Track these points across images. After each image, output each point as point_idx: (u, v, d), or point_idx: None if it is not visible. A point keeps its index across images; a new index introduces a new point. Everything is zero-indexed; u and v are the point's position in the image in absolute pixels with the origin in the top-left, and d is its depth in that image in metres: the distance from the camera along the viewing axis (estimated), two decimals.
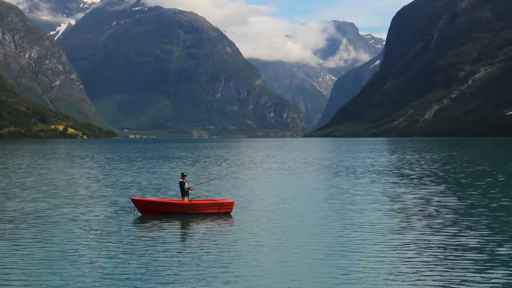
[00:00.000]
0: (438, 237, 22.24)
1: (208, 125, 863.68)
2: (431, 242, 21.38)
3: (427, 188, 41.00)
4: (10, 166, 71.17)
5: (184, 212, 28.17)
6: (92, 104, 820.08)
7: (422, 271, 17.15)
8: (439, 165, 70.10)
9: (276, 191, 40.46)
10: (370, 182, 46.90)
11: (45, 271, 17.28)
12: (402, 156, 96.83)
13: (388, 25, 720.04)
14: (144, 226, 25.58)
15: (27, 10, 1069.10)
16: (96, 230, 24.36)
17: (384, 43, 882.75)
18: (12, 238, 22.35)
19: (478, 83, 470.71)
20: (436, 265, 17.91)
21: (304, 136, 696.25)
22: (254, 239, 22.19)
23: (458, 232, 23.22)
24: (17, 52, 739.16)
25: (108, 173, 59.10)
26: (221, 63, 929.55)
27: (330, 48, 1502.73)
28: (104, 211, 30.25)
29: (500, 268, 17.49)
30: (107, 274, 16.96)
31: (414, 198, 35.27)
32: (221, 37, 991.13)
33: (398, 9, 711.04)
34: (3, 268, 17.62)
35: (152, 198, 31.27)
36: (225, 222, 26.58)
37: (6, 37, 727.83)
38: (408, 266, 17.82)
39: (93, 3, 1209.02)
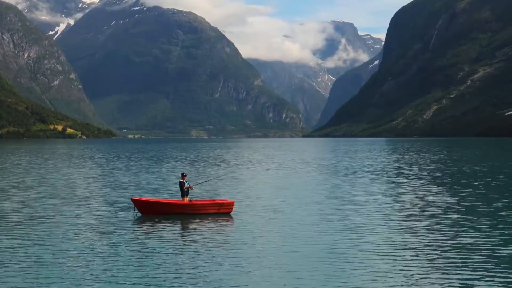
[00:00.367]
0: (437, 238, 22.25)
1: (207, 125, 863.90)
2: (431, 242, 21.39)
3: (426, 189, 41.01)
4: (9, 166, 71.10)
5: (184, 212, 28.16)
6: (91, 104, 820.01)
7: (422, 272, 17.15)
8: (438, 165, 70.10)
9: (276, 191, 40.45)
10: (369, 182, 46.90)
11: (45, 271, 17.27)
12: (401, 157, 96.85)
13: (387, 25, 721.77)
14: (144, 226, 25.56)
15: (26, 10, 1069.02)
16: (96, 230, 24.33)
17: (383, 43, 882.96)
18: (12, 238, 22.32)
19: (477, 84, 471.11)
20: (436, 265, 17.92)
21: (303, 136, 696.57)
22: (254, 239, 22.19)
23: (457, 233, 23.23)
24: (16, 52, 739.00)
25: (107, 173, 59.07)
26: (220, 63, 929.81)
27: (329, 48, 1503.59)
28: (104, 211, 30.23)
29: (499, 268, 17.50)
30: (107, 274, 16.96)
31: (413, 198, 35.27)
32: (220, 37, 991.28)
33: (397, 9, 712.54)
34: (2, 268, 17.61)
35: (152, 198, 31.21)
36: (225, 222, 26.56)
37: (5, 37, 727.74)
38: (408, 266, 17.83)
39: (92, 3, 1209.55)
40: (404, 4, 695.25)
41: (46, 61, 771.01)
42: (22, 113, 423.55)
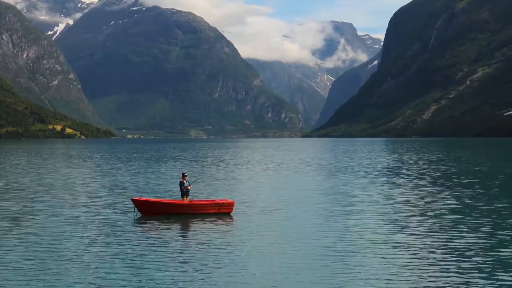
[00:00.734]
0: (436, 238, 22.28)
1: (206, 125, 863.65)
2: (430, 243, 21.41)
3: (425, 189, 41.05)
4: (8, 166, 71.08)
5: (185, 213, 28.18)
6: (90, 104, 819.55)
7: (421, 272, 17.18)
8: (437, 165, 70.15)
9: (276, 192, 40.46)
10: (368, 182, 46.95)
11: (44, 271, 17.28)
12: (400, 157, 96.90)
13: (386, 25, 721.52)
14: (144, 226, 25.59)
15: (25, 10, 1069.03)
16: (96, 230, 24.36)
17: (382, 43, 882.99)
18: (12, 239, 22.35)
19: (476, 84, 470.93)
20: (435, 266, 17.94)
21: (302, 136, 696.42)
22: (254, 239, 22.22)
23: (456, 233, 23.26)
24: (15, 52, 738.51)
25: (107, 173, 59.09)
26: (219, 63, 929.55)
27: (328, 48, 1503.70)
28: (104, 211, 30.25)
29: (499, 269, 17.53)
30: (107, 274, 16.98)
31: (413, 199, 35.32)
32: (219, 37, 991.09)
33: (396, 10, 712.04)
34: (2, 269, 17.61)
35: (152, 198, 31.20)
36: (225, 222, 26.59)
37: (4, 37, 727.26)
38: (407, 266, 17.86)
39: (91, 3, 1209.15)
40: (403, 4, 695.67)
41: (45, 61, 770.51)
42: (21, 113, 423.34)
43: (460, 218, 27.25)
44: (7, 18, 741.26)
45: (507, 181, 47.44)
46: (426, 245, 20.91)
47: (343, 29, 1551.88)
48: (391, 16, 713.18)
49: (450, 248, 20.44)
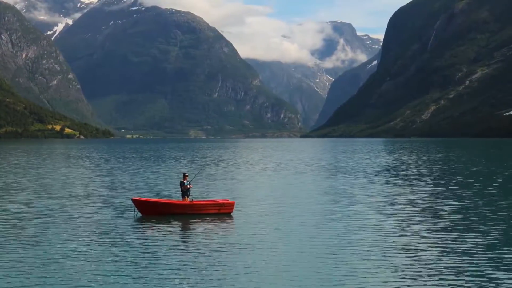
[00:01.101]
0: (435, 239, 22.31)
1: (205, 125, 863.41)
2: (429, 243, 21.44)
3: (424, 190, 41.07)
4: (7, 166, 71.05)
5: (185, 213, 28.19)
6: (89, 104, 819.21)
7: (420, 273, 17.22)
8: (436, 166, 70.18)
9: (276, 192, 40.48)
10: (367, 183, 47.00)
11: (44, 272, 17.30)
12: (399, 157, 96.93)
13: (385, 25, 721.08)
14: (144, 226, 25.60)
15: (24, 10, 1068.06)
16: (96, 230, 24.38)
17: (381, 43, 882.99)
18: (12, 239, 22.36)
19: (475, 84, 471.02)
20: (434, 266, 17.97)
21: (301, 136, 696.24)
22: (255, 239, 22.24)
23: (455, 234, 23.28)
24: (14, 52, 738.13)
25: (106, 173, 59.09)
26: (218, 63, 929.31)
27: (327, 49, 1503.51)
28: (104, 211, 30.25)
29: (499, 270, 17.57)
30: (107, 274, 17.00)
31: (412, 199, 35.35)
32: (218, 37, 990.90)
33: (396, 10, 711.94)
34: (2, 269, 17.64)
35: (152, 199, 31.21)
36: (225, 222, 26.61)
37: (3, 37, 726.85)
38: (407, 267, 17.90)
39: (90, 3, 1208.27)
40: (403, 4, 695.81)
41: (44, 61, 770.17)
42: (20, 113, 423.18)
43: (460, 218, 27.29)
44: (6, 18, 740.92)
45: (506, 182, 47.46)
46: (425, 246, 20.94)
47: (342, 29, 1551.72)
48: (391, 16, 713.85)
49: (449, 248, 20.46)
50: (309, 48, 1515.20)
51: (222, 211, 28.55)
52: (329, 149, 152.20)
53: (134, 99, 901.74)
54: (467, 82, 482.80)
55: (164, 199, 31.18)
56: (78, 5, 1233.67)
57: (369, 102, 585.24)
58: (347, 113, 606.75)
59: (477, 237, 22.52)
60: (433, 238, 22.41)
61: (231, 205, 28.99)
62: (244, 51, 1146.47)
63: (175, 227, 25.49)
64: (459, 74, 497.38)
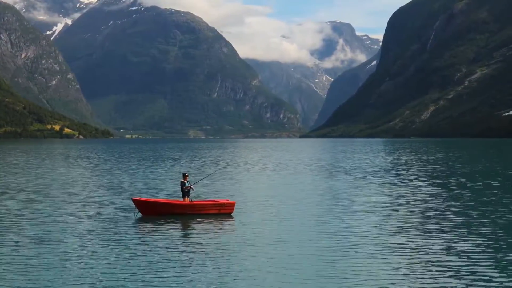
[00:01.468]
0: (434, 239, 22.28)
1: (205, 125, 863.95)
2: (428, 244, 21.40)
3: (423, 190, 41.05)
4: (6, 166, 71.00)
5: (185, 213, 28.15)
6: (88, 104, 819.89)
7: (419, 274, 17.20)
8: (435, 166, 70.19)
9: (276, 192, 40.48)
10: (367, 183, 46.99)
11: (45, 272, 17.25)
12: (398, 157, 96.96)
13: (385, 25, 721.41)
14: (144, 226, 25.56)
15: (23, 10, 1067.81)
16: (96, 230, 24.33)
17: (380, 43, 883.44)
18: (12, 240, 22.32)
19: (474, 84, 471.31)
20: (433, 267, 17.94)
21: (301, 136, 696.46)
22: (255, 240, 22.22)
23: (454, 235, 23.25)
24: (14, 51, 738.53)
25: (106, 174, 59.05)
26: (218, 63, 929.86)
27: (327, 49, 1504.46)
28: (104, 211, 30.20)
29: (498, 270, 17.56)
30: (108, 275, 16.96)
31: (411, 200, 35.34)
32: (218, 37, 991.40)
33: (395, 10, 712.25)
34: (1, 269, 17.61)
35: (152, 199, 31.16)
36: (226, 223, 26.56)
37: (2, 37, 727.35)
38: (406, 267, 17.88)
39: (90, 3, 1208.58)
40: (402, 4, 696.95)
41: (43, 61, 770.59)
42: (19, 113, 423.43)
43: (459, 219, 27.27)
44: (6, 18, 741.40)
45: (506, 182, 47.45)
46: (425, 246, 20.91)
47: (342, 30, 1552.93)
48: (390, 16, 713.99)
49: (449, 249, 20.44)
50: (309, 48, 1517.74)
51: (222, 212, 28.50)
52: (328, 149, 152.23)
53: (133, 99, 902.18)
54: (467, 82, 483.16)
55: (164, 199, 31.09)
56: (78, 5, 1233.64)
57: (369, 102, 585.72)
58: (347, 113, 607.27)
59: (476, 237, 22.51)
60: (433, 238, 22.38)
61: (231, 206, 28.94)
62: (244, 51, 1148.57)
63: (175, 227, 25.46)
64: (459, 74, 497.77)
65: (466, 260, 18.72)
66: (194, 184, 32.47)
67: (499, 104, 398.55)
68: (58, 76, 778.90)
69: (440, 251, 20.09)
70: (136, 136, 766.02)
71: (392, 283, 16.13)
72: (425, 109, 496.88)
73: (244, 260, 18.78)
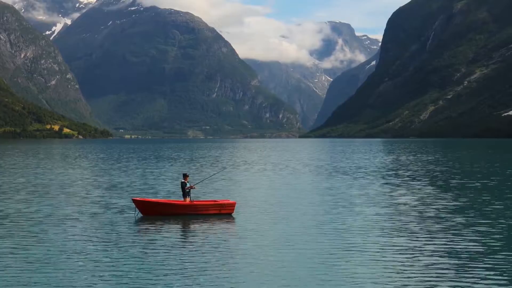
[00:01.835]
0: (433, 240, 22.30)
1: (204, 126, 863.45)
2: (427, 245, 21.42)
3: (422, 190, 41.07)
4: (4, 166, 70.95)
5: (185, 213, 28.15)
6: (87, 104, 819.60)
7: (419, 273, 17.22)
8: (434, 166, 70.22)
9: (276, 193, 40.51)
10: (367, 183, 47.00)
11: (45, 272, 17.25)
12: (397, 158, 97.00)
13: (384, 26, 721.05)
14: (145, 227, 25.57)
15: (22, 10, 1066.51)
16: (96, 230, 24.32)
17: (380, 44, 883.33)
18: (12, 240, 22.32)
19: (473, 84, 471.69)
20: (432, 268, 17.97)
21: (300, 136, 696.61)
22: (256, 240, 22.23)
23: (453, 235, 23.26)
24: (13, 51, 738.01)
25: (106, 174, 59.03)
26: (217, 63, 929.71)
27: (326, 49, 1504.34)
28: (104, 211, 30.20)
29: (498, 270, 17.58)
30: (108, 275, 16.97)
31: (411, 199, 35.35)
32: (217, 37, 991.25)
33: (394, 10, 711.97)
34: (2, 270, 17.62)
35: (153, 199, 31.17)
36: (226, 223, 26.57)
37: (1, 37, 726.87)
38: (406, 267, 17.90)
39: (89, 3, 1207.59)
40: (401, 5, 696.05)
41: (43, 61, 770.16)
42: (18, 113, 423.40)
43: (459, 219, 27.29)
44: (5, 18, 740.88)
45: (505, 182, 47.49)
46: (424, 246, 20.93)
47: (341, 30, 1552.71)
48: (389, 16, 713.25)
49: (447, 250, 20.46)
50: (308, 48, 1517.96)
51: (223, 212, 28.50)
52: (327, 150, 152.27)
53: (132, 99, 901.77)
54: (466, 82, 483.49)
55: (164, 199, 31.08)
56: (77, 5, 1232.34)
57: (368, 103, 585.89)
58: (346, 114, 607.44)
59: (476, 237, 22.52)
60: (432, 238, 22.41)
61: (232, 206, 28.94)
62: (243, 51, 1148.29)
63: (176, 227, 25.48)
64: (458, 74, 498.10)
65: (466, 260, 18.74)
66: (196, 183, 32.53)
67: (498, 104, 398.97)
68: (57, 76, 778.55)
69: (439, 251, 20.11)
70: (135, 136, 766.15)
71: (391, 283, 16.16)
72: (424, 109, 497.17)
73: (244, 260, 18.79)
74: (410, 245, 21.22)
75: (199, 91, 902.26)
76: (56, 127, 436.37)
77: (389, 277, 16.80)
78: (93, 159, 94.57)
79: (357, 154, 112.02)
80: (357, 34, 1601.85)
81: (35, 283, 16.17)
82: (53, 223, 26.24)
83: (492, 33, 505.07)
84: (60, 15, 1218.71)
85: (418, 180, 49.11)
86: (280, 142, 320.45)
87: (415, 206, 32.06)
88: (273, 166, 72.74)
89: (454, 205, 32.31)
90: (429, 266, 18.00)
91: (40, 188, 42.61)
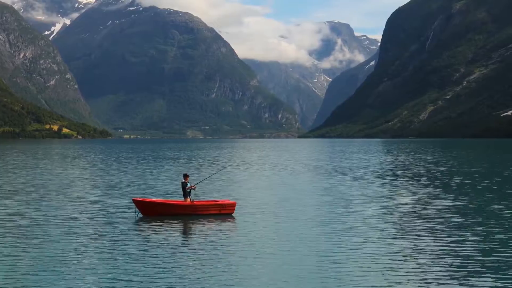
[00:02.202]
0: (432, 240, 22.31)
1: (203, 126, 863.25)
2: (426, 245, 21.43)
3: (421, 191, 41.08)
4: (3, 166, 70.91)
5: (186, 213, 28.15)
6: (87, 104, 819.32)
7: (419, 274, 17.23)
8: (433, 166, 70.25)
9: (276, 193, 40.52)
10: (366, 183, 47.02)
11: (44, 272, 17.24)
12: (396, 158, 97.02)
13: (383, 26, 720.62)
14: (145, 227, 25.56)
15: (22, 10, 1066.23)
16: (96, 231, 24.30)
17: (379, 44, 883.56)
18: (11, 240, 22.31)
19: (472, 84, 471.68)
20: (431, 268, 17.98)
21: (299, 136, 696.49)
22: (256, 240, 22.24)
23: (452, 235, 23.26)
24: (12, 51, 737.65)
25: (105, 174, 59.01)
26: (216, 63, 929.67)
27: (325, 49, 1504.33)
28: (104, 212, 30.18)
29: (495, 272, 17.60)
30: (108, 276, 16.96)
31: (410, 200, 35.37)
32: (216, 38, 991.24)
33: (393, 10, 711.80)
34: (1, 270, 17.61)
35: (153, 199, 31.15)
36: (227, 223, 26.56)
37: (0, 37, 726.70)
38: (405, 267, 17.92)
39: (88, 3, 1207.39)
40: (400, 5, 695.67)
41: (42, 61, 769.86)
42: (17, 113, 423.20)
43: (458, 219, 27.30)
44: (4, 18, 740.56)
45: (504, 182, 47.51)
46: (423, 246, 20.94)
47: (340, 30, 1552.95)
48: (388, 16, 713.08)
49: (447, 250, 20.47)
50: (307, 48, 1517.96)
51: (223, 212, 28.50)
52: (326, 150, 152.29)
53: (131, 99, 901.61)
54: (465, 82, 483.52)
55: (165, 200, 31.06)
56: (76, 5, 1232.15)
57: (367, 103, 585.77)
58: (345, 114, 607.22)
59: (476, 237, 22.54)
60: (431, 238, 22.42)
61: (232, 206, 28.95)
62: (242, 51, 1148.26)
63: (176, 227, 25.47)
64: (457, 74, 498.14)
65: (465, 260, 18.76)
66: (197, 184, 32.51)
67: (498, 104, 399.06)
68: (56, 76, 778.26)
69: (439, 251, 20.12)
70: (135, 136, 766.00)
71: (391, 283, 16.17)
72: (423, 109, 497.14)
73: (245, 261, 18.81)
74: (410, 245, 21.23)
75: (198, 91, 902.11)
76: (55, 127, 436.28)
77: (388, 277, 16.81)
78: (93, 159, 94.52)
79: (356, 154, 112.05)
80: (356, 34, 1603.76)
81: (35, 283, 16.16)
82: (53, 224, 26.22)
83: (491, 33, 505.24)
84: (59, 15, 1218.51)
85: (417, 180, 49.13)
86: (279, 142, 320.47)
87: (414, 206, 32.08)
88: (273, 166, 72.77)
89: (453, 205, 32.31)
90: (428, 266, 18.01)
91: (39, 189, 42.58)
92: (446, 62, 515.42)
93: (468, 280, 16.47)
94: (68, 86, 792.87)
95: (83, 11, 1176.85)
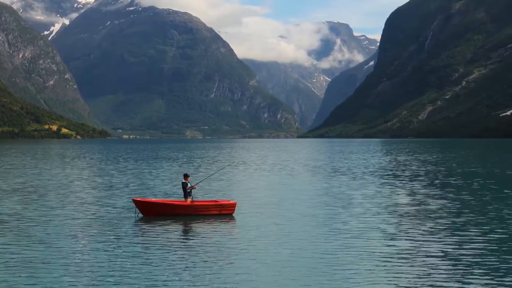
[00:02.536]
0: (433, 240, 22.32)
1: (202, 126, 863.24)
2: (426, 245, 21.44)
3: (421, 191, 41.08)
4: (2, 167, 70.86)
5: (186, 213, 28.14)
6: (86, 104, 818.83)
7: (418, 274, 17.24)
8: (432, 166, 70.26)
9: (276, 193, 40.50)
10: (365, 183, 47.02)
11: (45, 273, 17.22)
12: (396, 158, 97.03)
13: (382, 26, 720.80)
14: (145, 227, 25.55)
15: (21, 10, 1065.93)
16: (96, 231, 24.28)
17: (378, 44, 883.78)
18: (10, 240, 22.30)
19: (471, 84, 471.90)
20: (431, 268, 18.00)
21: (298, 136, 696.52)
22: (256, 240, 22.23)
23: (452, 236, 23.28)
24: (11, 51, 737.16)
25: (105, 174, 58.96)
26: (215, 63, 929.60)
27: (324, 49, 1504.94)
28: (104, 212, 30.14)
29: (495, 272, 17.61)
30: (108, 275, 16.96)
31: (410, 200, 35.37)
32: (215, 38, 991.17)
33: (393, 10, 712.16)
34: (2, 271, 17.61)
35: (153, 199, 31.10)
36: (227, 223, 26.56)
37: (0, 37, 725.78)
38: (405, 268, 17.92)
39: (87, 3, 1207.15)
40: (400, 5, 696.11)
41: (41, 61, 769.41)
42: (16, 113, 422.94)
43: (457, 219, 27.31)
44: (3, 18, 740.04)
45: (503, 183, 47.53)
46: (423, 247, 20.94)
47: (339, 30, 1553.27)
48: (387, 17, 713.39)
49: (446, 251, 20.48)
50: (306, 48, 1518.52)
51: (223, 212, 28.49)
52: (326, 150, 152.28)
53: (131, 99, 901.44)
54: (464, 82, 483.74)
55: (165, 200, 31.03)
56: (75, 5, 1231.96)
57: (366, 103, 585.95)
58: (344, 114, 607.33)
59: (475, 237, 22.54)
60: (431, 238, 22.42)
61: (232, 206, 28.94)
62: (241, 51, 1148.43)
63: (177, 228, 25.46)
64: (456, 74, 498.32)
65: (465, 260, 18.77)
66: (197, 183, 32.51)
67: (496, 104, 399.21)
68: (55, 76, 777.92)
69: (438, 251, 20.12)
70: (134, 136, 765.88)
71: (391, 283, 16.18)
72: (422, 110, 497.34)
73: (245, 261, 18.81)
74: (409, 245, 21.24)
75: (197, 91, 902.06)
76: (54, 127, 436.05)
77: (388, 276, 16.82)
78: (92, 159, 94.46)
79: (355, 154, 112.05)
80: (355, 34, 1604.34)
81: (34, 284, 16.15)
82: (53, 224, 26.19)
83: (490, 33, 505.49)
84: (58, 15, 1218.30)
85: (416, 180, 49.13)
86: (278, 142, 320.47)
87: (413, 206, 32.08)
88: (272, 166, 72.73)
89: (452, 205, 32.32)
90: (428, 266, 18.01)
91: (39, 189, 42.55)
92: (445, 62, 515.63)
93: (468, 280, 16.48)
94: (67, 86, 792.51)
95: (82, 11, 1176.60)
